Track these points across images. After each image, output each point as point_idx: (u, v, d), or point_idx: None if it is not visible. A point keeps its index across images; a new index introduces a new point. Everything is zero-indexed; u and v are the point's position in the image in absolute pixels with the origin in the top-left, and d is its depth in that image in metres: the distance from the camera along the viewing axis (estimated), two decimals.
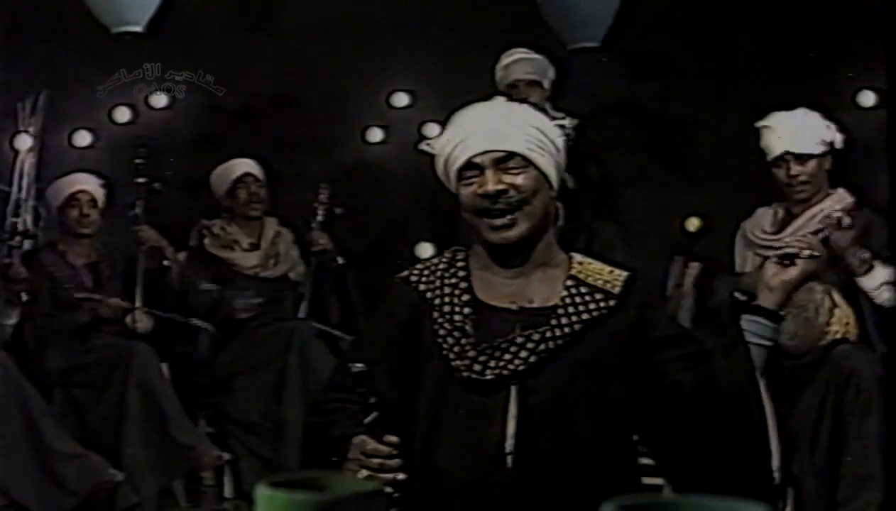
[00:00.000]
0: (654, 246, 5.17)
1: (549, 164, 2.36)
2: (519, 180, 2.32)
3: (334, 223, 5.37)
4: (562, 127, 2.40)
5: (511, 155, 2.33)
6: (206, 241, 5.37)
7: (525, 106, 2.46)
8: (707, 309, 4.28)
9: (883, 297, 4.04)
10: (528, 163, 2.33)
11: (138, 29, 5.24)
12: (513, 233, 2.33)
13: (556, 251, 2.43)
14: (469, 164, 2.34)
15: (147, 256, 5.02)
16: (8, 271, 4.62)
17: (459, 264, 2.43)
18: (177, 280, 5.12)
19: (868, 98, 5.20)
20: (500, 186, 2.31)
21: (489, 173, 2.32)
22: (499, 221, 2.33)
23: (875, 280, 4.07)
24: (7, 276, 4.61)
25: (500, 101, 2.49)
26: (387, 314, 2.45)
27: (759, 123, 4.33)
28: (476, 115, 2.40)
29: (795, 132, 4.26)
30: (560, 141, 2.40)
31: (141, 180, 5.04)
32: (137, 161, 5.05)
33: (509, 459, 2.28)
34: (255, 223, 5.42)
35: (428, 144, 2.44)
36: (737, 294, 4.25)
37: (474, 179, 2.34)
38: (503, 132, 2.34)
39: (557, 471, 2.29)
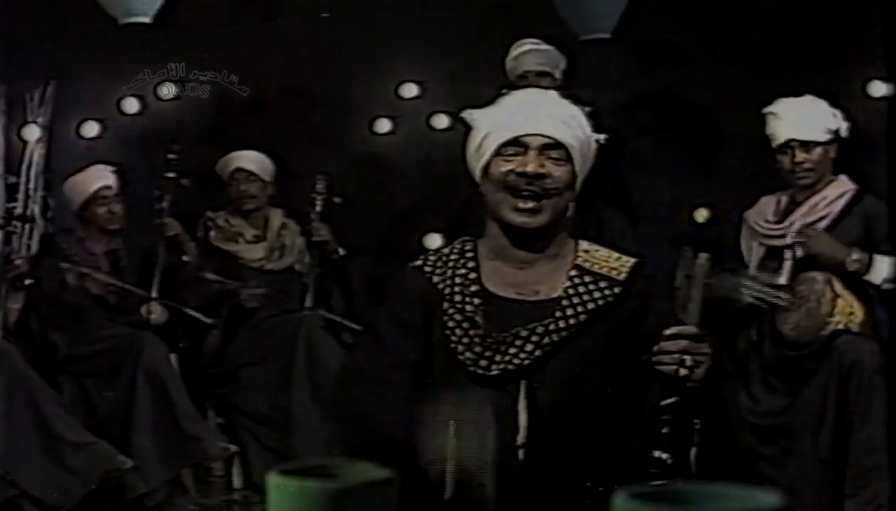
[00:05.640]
0: (662, 236, 5.17)
1: (581, 169, 2.38)
2: (558, 171, 2.34)
3: (334, 213, 5.37)
4: (596, 141, 2.42)
5: (558, 144, 2.34)
6: (212, 233, 5.38)
7: (577, 109, 2.45)
8: (715, 301, 4.28)
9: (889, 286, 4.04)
10: (568, 158, 2.34)
11: (146, 20, 5.24)
12: (536, 220, 2.33)
13: (565, 242, 2.43)
14: (514, 141, 2.34)
15: (167, 249, 5.04)
16: (9, 257, 4.63)
17: (469, 254, 2.42)
18: (191, 273, 5.14)
19: (878, 88, 5.19)
20: (542, 170, 2.32)
21: (533, 154, 2.33)
22: (524, 205, 2.32)
23: (879, 275, 4.06)
24: (9, 262, 4.62)
25: (553, 93, 2.51)
26: (404, 303, 2.44)
27: (766, 110, 4.33)
28: (532, 98, 2.44)
29: (801, 119, 4.25)
30: (593, 150, 2.42)
31: (171, 175, 5.07)
32: (170, 156, 5.08)
33: (521, 452, 2.28)
34: (259, 215, 5.43)
35: (470, 113, 2.43)
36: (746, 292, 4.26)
37: (514, 157, 2.34)
38: (556, 120, 2.35)
39: (569, 462, 2.29)
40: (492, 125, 2.37)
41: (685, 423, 2.19)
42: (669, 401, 2.19)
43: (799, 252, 4.16)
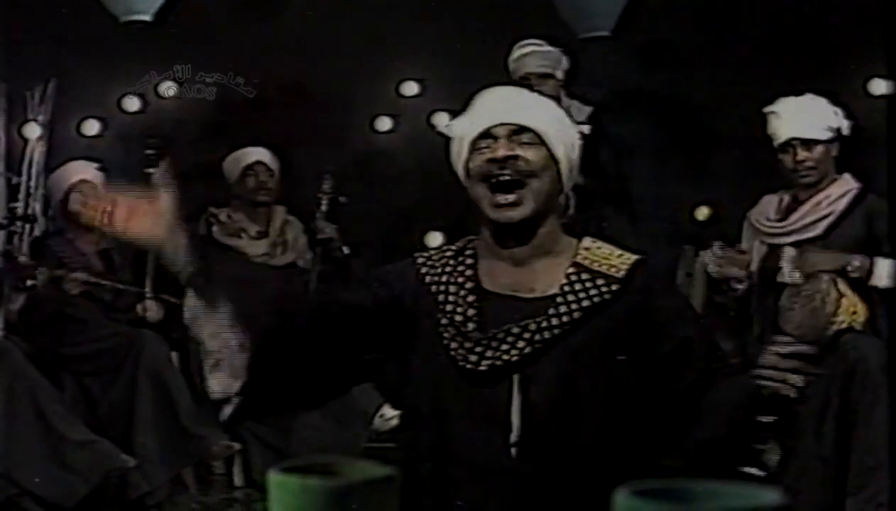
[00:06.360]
0: (663, 235, 5.18)
1: (562, 153, 2.38)
2: (529, 153, 2.35)
3: (339, 212, 5.38)
4: (581, 133, 2.45)
5: (525, 129, 2.36)
6: (214, 229, 5.38)
7: (548, 100, 2.51)
8: (716, 299, 4.28)
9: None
10: (541, 141, 2.37)
11: (146, 18, 5.25)
12: (517, 212, 2.34)
13: (561, 238, 2.42)
14: (485, 134, 2.38)
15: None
16: (11, 256, 4.63)
17: (468, 252, 2.43)
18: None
19: (878, 86, 5.20)
20: (511, 153, 2.34)
21: (502, 141, 2.36)
22: (503, 198, 2.34)
23: (881, 278, 4.06)
24: (11, 261, 4.62)
25: (522, 89, 2.56)
26: (380, 281, 2.44)
27: (767, 109, 4.33)
28: (498, 93, 2.47)
29: (802, 118, 4.25)
30: (577, 140, 2.44)
31: (152, 170, 5.05)
32: (148, 152, 5.06)
33: (514, 450, 2.28)
34: (263, 211, 5.44)
35: (448, 126, 2.47)
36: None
37: (486, 150, 2.37)
38: (522, 108, 2.40)
39: (564, 460, 2.29)
40: (465, 127, 2.42)
41: (781, 438, 2.17)
42: (769, 419, 2.15)
43: (795, 278, 4.15)
